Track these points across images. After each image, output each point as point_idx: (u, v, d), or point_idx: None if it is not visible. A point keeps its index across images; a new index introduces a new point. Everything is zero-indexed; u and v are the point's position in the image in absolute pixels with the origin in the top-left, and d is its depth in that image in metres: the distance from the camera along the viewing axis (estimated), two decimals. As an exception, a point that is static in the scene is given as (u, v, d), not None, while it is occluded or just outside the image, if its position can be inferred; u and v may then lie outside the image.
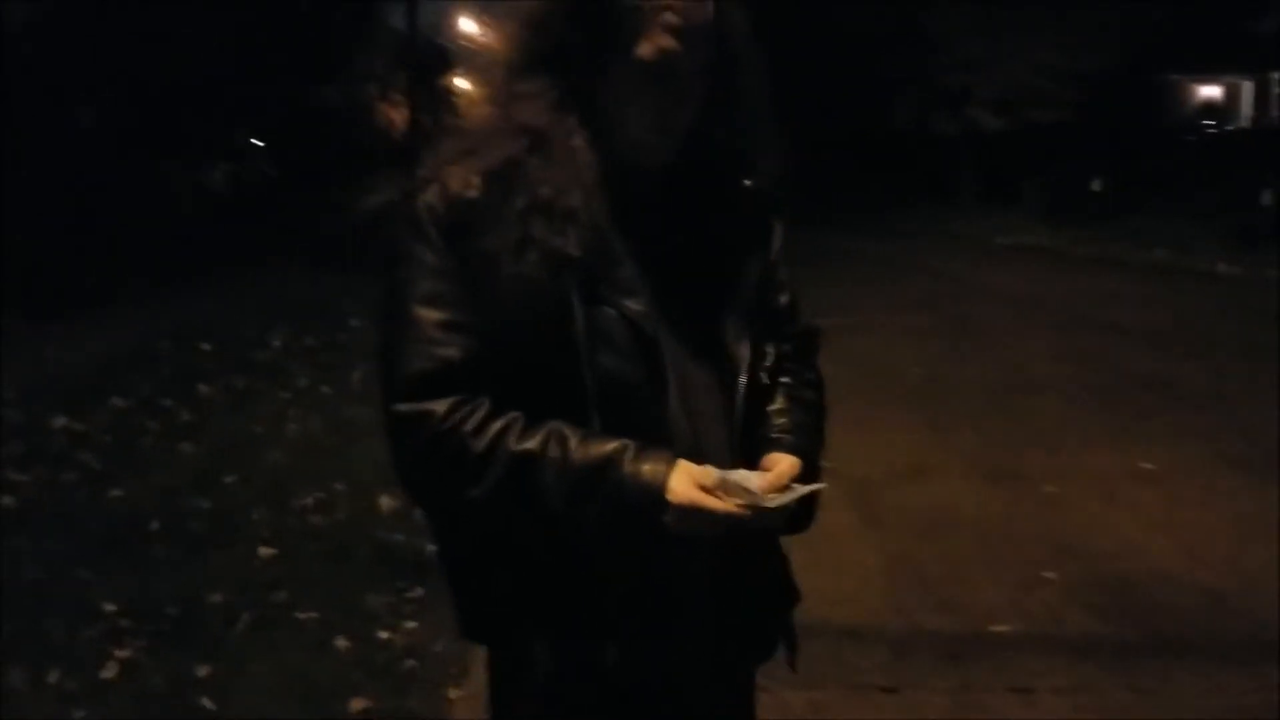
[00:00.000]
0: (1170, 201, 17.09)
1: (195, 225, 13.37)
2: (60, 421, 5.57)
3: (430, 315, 1.24)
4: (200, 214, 14.54)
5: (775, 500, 1.22)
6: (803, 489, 1.26)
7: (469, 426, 1.21)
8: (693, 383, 1.31)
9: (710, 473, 1.21)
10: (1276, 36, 21.29)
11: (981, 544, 4.14)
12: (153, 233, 11.70)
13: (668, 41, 1.23)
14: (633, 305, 1.26)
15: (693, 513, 1.19)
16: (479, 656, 1.69)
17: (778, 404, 1.39)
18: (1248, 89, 25.90)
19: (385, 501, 4.28)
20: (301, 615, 3.41)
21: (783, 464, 1.28)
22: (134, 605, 3.43)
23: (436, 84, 20.17)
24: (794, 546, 1.46)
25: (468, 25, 24.20)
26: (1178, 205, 16.76)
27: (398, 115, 21.52)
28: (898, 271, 13.07)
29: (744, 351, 1.34)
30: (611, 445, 1.21)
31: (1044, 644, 3.30)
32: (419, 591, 3.56)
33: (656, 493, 1.19)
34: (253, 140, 18.13)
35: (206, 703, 2.91)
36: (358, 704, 2.89)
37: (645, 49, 1.24)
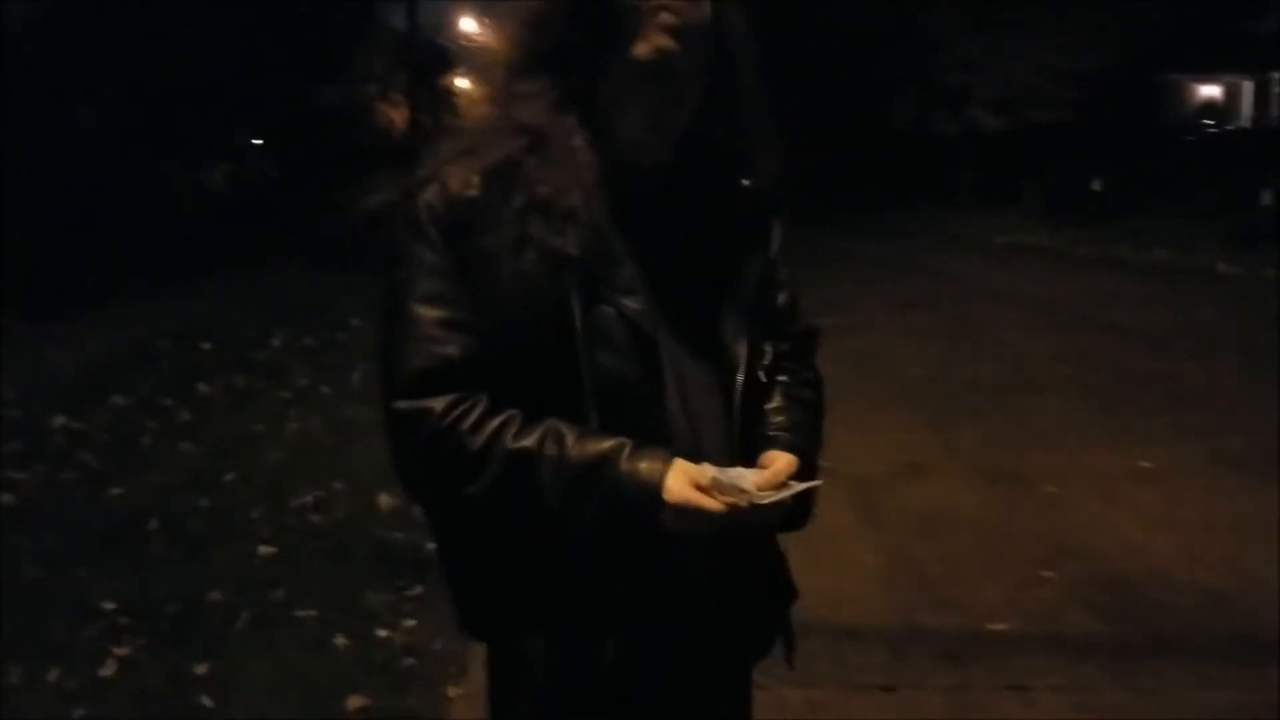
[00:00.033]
0: (1170, 201, 17.10)
1: (195, 225, 13.37)
2: (60, 420, 5.57)
3: (430, 314, 1.25)
4: (200, 214, 14.55)
5: (771, 498, 1.22)
6: (799, 486, 1.26)
7: (467, 424, 1.22)
8: (691, 381, 1.32)
9: (706, 472, 1.21)
10: (1277, 36, 21.29)
11: (981, 543, 4.14)
12: (153, 233, 11.71)
13: (664, 41, 1.24)
14: (631, 304, 1.27)
15: (688, 512, 1.19)
16: (478, 654, 1.69)
17: (775, 402, 1.40)
18: (1248, 89, 25.91)
19: (384, 500, 4.29)
20: (301, 613, 3.41)
21: (780, 462, 1.29)
22: (133, 603, 3.44)
23: (437, 84, 20.18)
24: (793, 545, 1.47)
25: (468, 25, 24.20)
26: (1178, 205, 16.77)
27: (398, 115, 21.54)
28: (898, 271, 13.07)
29: (742, 350, 1.34)
30: (608, 443, 1.21)
31: (1043, 643, 3.31)
32: (418, 590, 3.56)
33: (653, 491, 1.19)
34: (253, 140, 18.14)
35: (206, 700, 2.91)
36: (357, 702, 2.89)
37: (642, 49, 1.24)
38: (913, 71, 20.98)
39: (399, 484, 1.32)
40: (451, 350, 1.24)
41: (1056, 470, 4.98)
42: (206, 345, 7.44)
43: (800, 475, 1.28)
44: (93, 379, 6.56)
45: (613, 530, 1.23)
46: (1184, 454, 5.22)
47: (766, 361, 1.38)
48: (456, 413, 1.22)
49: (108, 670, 3.05)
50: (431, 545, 3.15)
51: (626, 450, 1.21)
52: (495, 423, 1.22)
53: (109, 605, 3.42)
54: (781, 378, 1.42)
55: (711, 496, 1.19)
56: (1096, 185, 18.14)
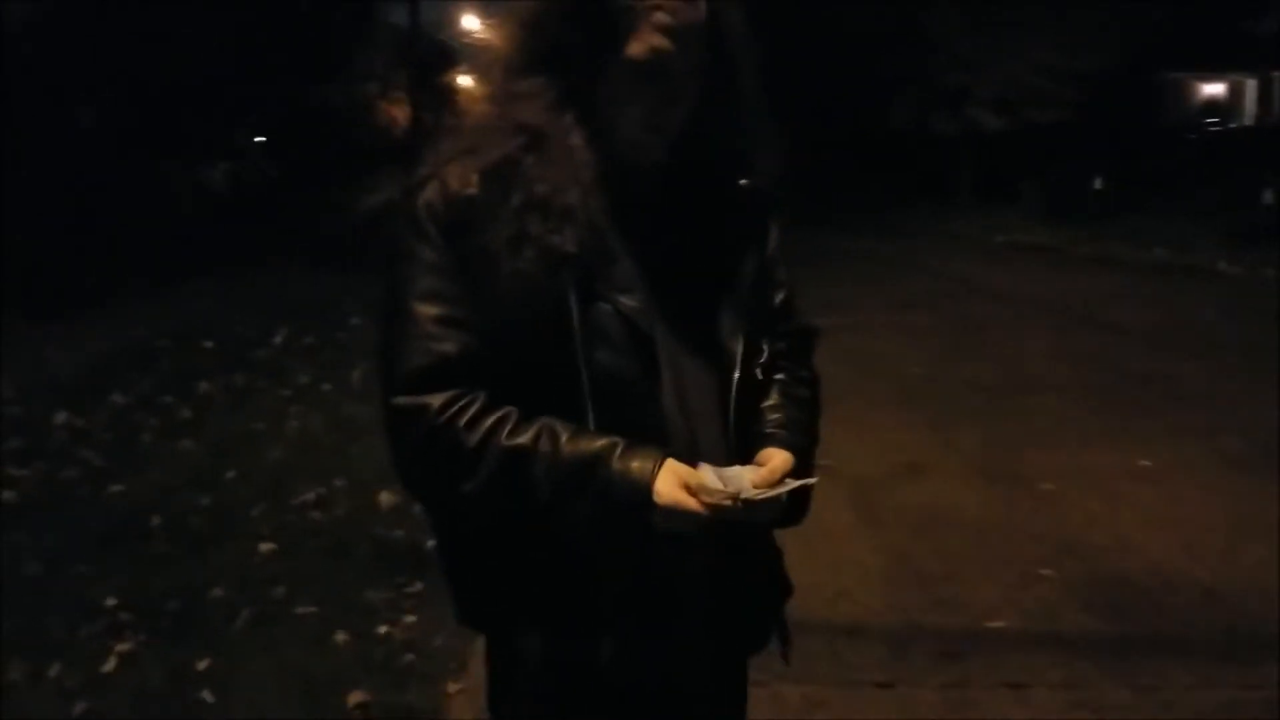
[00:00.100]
0: (1170, 200, 17.09)
1: (195, 225, 13.38)
2: (61, 418, 5.58)
3: (428, 311, 1.26)
4: (200, 213, 14.55)
5: (766, 495, 1.23)
6: (796, 484, 1.27)
7: (463, 420, 1.23)
8: (688, 379, 1.33)
9: (698, 474, 1.22)
10: (1277, 37, 21.28)
11: (979, 542, 4.15)
12: (153, 232, 11.73)
13: (659, 40, 1.25)
14: (628, 302, 1.27)
15: (677, 513, 1.20)
16: (477, 650, 1.70)
17: (772, 400, 1.41)
18: (1251, 87, 25.89)
19: (385, 498, 4.29)
20: (301, 610, 3.42)
21: (776, 459, 1.30)
22: (134, 600, 3.45)
23: (439, 81, 20.17)
24: (792, 543, 1.47)
25: (470, 22, 24.18)
26: (1178, 204, 16.75)
27: (399, 113, 21.54)
28: (897, 271, 13.07)
29: (738, 348, 1.35)
30: (600, 442, 1.22)
31: (1041, 641, 3.31)
32: (418, 586, 3.57)
33: (643, 491, 1.20)
34: (253, 139, 18.15)
35: (206, 696, 2.92)
36: (357, 697, 2.90)
37: (636, 48, 1.25)
38: (913, 71, 20.95)
39: (398, 479, 1.33)
40: (450, 347, 1.25)
41: (1056, 469, 4.98)
42: (207, 344, 7.45)
43: (797, 472, 1.29)
44: (93, 377, 6.58)
45: (604, 528, 1.23)
46: (1183, 453, 5.23)
47: (763, 359, 1.39)
48: (454, 409, 1.23)
49: (109, 666, 3.06)
50: (431, 542, 3.17)
51: (618, 449, 1.22)
52: (491, 420, 1.23)
53: (110, 602, 3.43)
54: (778, 376, 1.43)
55: (700, 498, 1.20)
56: (1098, 184, 18.13)
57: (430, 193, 1.29)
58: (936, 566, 3.90)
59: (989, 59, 20.03)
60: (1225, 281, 12.02)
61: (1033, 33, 19.48)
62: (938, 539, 4.16)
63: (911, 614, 3.50)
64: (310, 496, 4.43)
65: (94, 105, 13.09)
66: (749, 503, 1.21)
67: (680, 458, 1.23)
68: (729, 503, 1.20)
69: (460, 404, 1.23)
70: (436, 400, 1.23)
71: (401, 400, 1.25)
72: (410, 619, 3.38)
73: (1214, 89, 26.75)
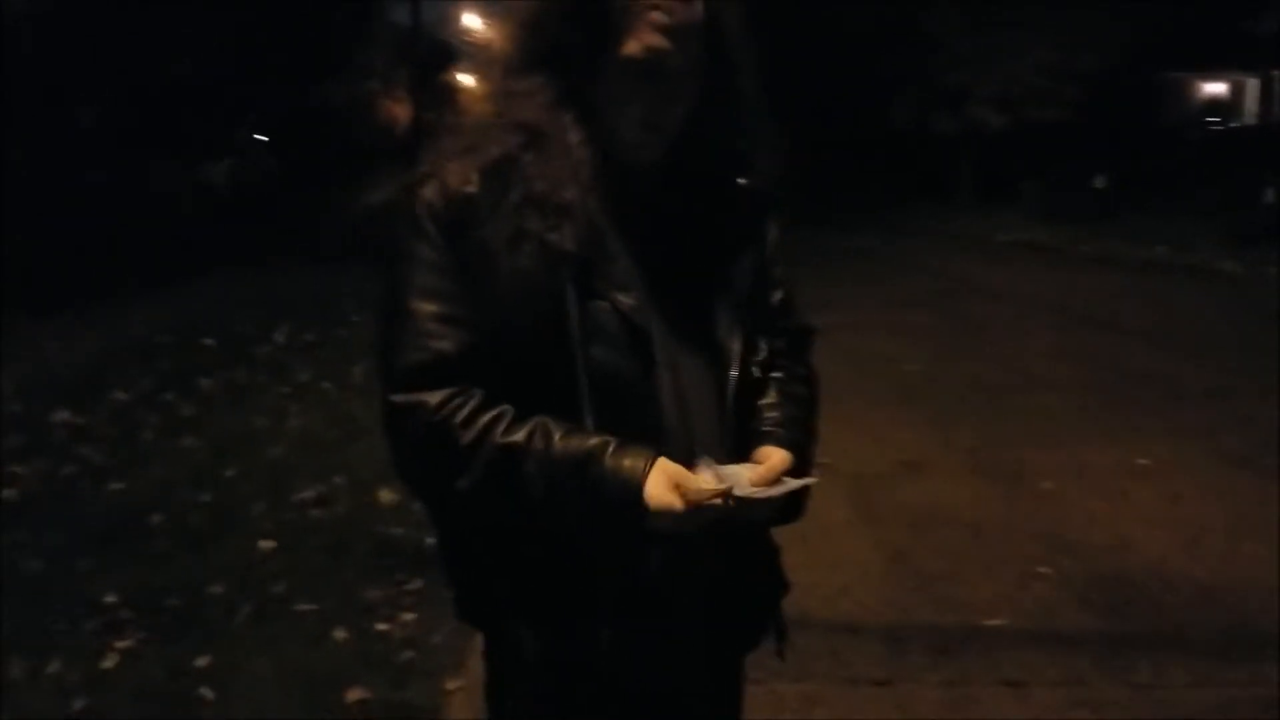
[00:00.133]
0: (1171, 200, 17.09)
1: (195, 223, 13.40)
2: (61, 415, 5.59)
3: (427, 309, 1.26)
4: (200, 212, 14.57)
5: (765, 493, 1.23)
6: (794, 482, 1.28)
7: (459, 418, 1.23)
8: (686, 377, 1.33)
9: (687, 473, 1.22)
10: (1278, 36, 21.26)
11: (978, 540, 4.15)
12: (153, 230, 11.74)
13: (656, 40, 1.25)
14: (626, 300, 1.28)
15: (668, 513, 1.21)
16: (476, 648, 1.70)
17: (769, 398, 1.41)
18: (1252, 86, 25.86)
19: (385, 495, 4.30)
20: (301, 607, 3.43)
21: (774, 457, 1.30)
22: (134, 597, 3.45)
23: (439, 80, 20.18)
24: (790, 541, 1.48)
25: (470, 20, 24.17)
26: (1178, 204, 16.75)
27: (400, 111, 21.56)
28: (897, 270, 13.07)
29: (736, 346, 1.35)
30: (593, 441, 1.23)
31: (1039, 639, 3.31)
32: (417, 584, 3.57)
33: (634, 490, 1.21)
34: (254, 138, 18.16)
35: (206, 693, 2.92)
36: (356, 694, 2.90)
37: (633, 47, 1.25)
38: (913, 71, 20.95)
39: (397, 476, 1.34)
40: (447, 345, 1.25)
41: (1055, 467, 4.99)
42: (208, 341, 7.46)
43: (795, 470, 1.29)
44: (94, 374, 6.59)
45: (596, 526, 1.24)
46: (1182, 451, 5.23)
47: (761, 358, 1.40)
48: (450, 407, 1.24)
49: (109, 663, 3.07)
50: (431, 540, 3.17)
51: (610, 448, 1.22)
52: (487, 417, 1.24)
53: (110, 599, 3.44)
54: (776, 374, 1.43)
55: (688, 498, 1.20)
56: (1098, 183, 18.13)
57: (430, 191, 1.29)
58: (935, 565, 3.90)
59: (989, 58, 20.03)
60: (1225, 281, 12.02)
61: (1033, 32, 19.48)
62: (936, 537, 4.17)
63: (910, 612, 3.51)
64: (310, 494, 4.44)
65: (94, 105, 13.10)
66: (745, 501, 1.21)
67: (677, 456, 1.24)
68: (717, 502, 1.20)
69: (457, 402, 1.24)
70: (434, 398, 1.24)
71: (399, 397, 1.26)
72: (410, 616, 3.39)
73: (1215, 88, 26.74)
